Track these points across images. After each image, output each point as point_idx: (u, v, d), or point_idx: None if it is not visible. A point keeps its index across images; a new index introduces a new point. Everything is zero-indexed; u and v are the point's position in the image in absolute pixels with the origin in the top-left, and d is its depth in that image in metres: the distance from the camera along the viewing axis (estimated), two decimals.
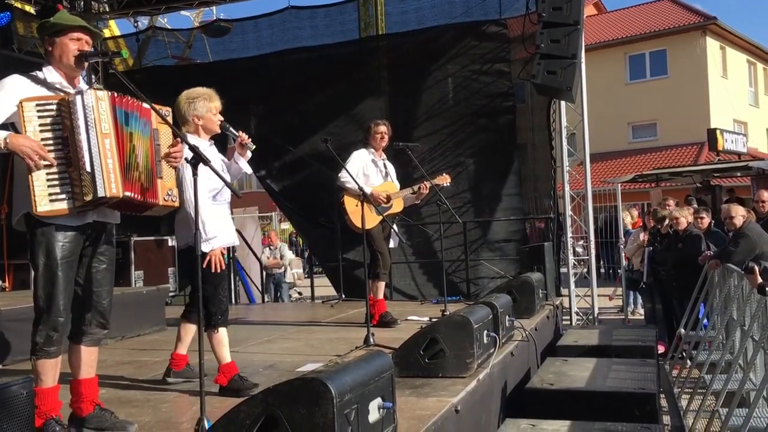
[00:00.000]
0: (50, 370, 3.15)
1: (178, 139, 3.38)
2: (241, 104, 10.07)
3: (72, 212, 3.12)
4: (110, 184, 3.10)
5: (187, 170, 3.50)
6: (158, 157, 3.36)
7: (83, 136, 3.08)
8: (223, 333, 4.14)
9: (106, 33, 11.41)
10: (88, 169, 3.08)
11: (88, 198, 3.09)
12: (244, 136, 4.26)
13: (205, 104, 4.20)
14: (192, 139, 3.92)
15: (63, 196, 3.09)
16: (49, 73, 3.26)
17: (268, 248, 13.02)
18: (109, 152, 3.12)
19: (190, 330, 4.38)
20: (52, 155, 3.07)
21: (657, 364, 6.14)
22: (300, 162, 9.75)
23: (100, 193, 3.08)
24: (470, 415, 3.93)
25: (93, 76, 10.18)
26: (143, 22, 11.50)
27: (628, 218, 12.07)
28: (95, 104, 3.12)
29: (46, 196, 3.05)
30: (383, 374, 2.84)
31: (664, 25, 27.53)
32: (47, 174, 3.06)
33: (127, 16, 10.72)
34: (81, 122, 3.08)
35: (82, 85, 3.39)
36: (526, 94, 9.25)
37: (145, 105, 3.29)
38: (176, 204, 3.47)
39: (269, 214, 21.01)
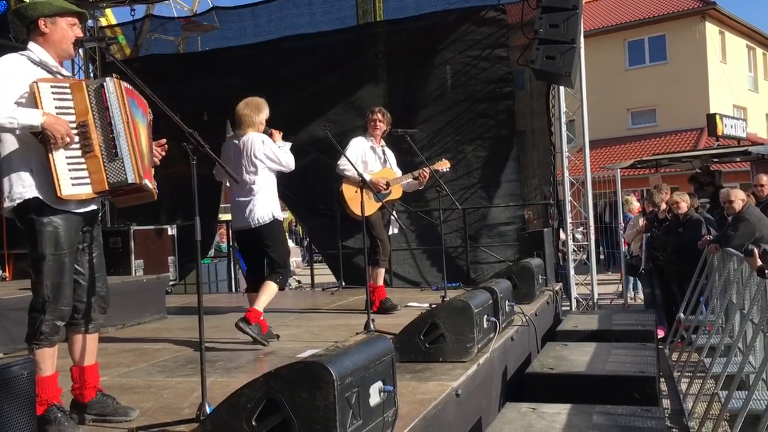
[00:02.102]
0: (49, 358, 3.14)
1: (164, 140, 3.48)
2: (239, 92, 9.99)
3: (93, 197, 3.14)
4: (138, 171, 3.14)
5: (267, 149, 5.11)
6: (151, 147, 3.43)
7: (112, 124, 3.10)
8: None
9: (103, 21, 11.34)
10: (119, 156, 3.10)
11: (111, 183, 3.10)
12: (276, 133, 5.34)
13: (266, 114, 5.29)
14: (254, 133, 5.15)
15: (85, 180, 3.09)
16: (43, 54, 3.21)
17: None
18: (134, 140, 3.16)
19: (273, 289, 5.06)
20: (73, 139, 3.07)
21: (656, 348, 6.17)
22: (299, 150, 9.60)
23: (131, 179, 3.12)
24: (471, 399, 3.94)
25: (91, 65, 10.16)
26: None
27: (634, 203, 12.01)
28: (119, 93, 3.15)
29: (68, 179, 3.04)
30: (384, 358, 2.84)
31: (663, 11, 27.43)
32: (67, 158, 3.05)
33: (124, 4, 10.66)
34: (110, 110, 3.11)
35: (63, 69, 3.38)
36: (525, 80, 9.22)
37: (140, 95, 3.33)
38: (156, 196, 3.47)
39: None
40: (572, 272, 9.13)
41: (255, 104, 5.27)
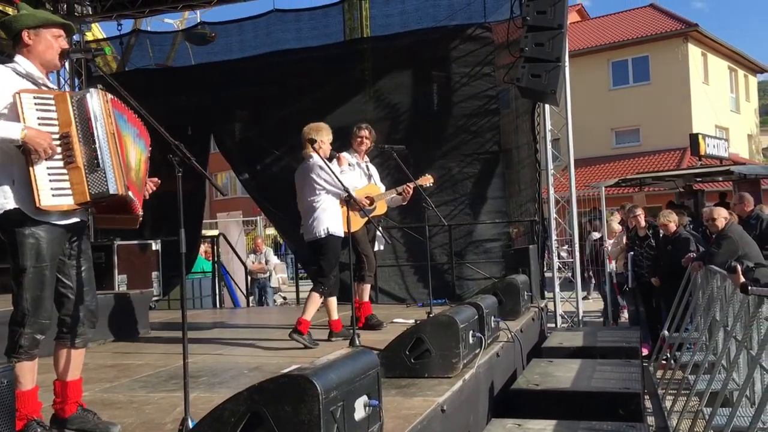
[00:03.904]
0: (29, 372, 3.10)
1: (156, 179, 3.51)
2: (225, 107, 10.04)
3: (75, 208, 3.11)
4: (121, 182, 3.12)
5: (312, 172, 5.52)
6: (146, 177, 3.43)
7: (95, 134, 3.08)
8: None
9: (89, 36, 11.33)
10: (101, 166, 3.08)
11: (92, 194, 3.07)
12: (342, 158, 5.95)
13: (327, 136, 5.65)
14: (318, 158, 5.52)
15: (66, 192, 3.06)
16: (28, 66, 3.20)
17: (253, 254, 13.00)
18: (117, 151, 3.14)
19: (332, 301, 5.76)
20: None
21: (641, 365, 6.18)
22: (284, 165, 9.70)
23: (112, 190, 3.09)
24: (457, 415, 3.92)
25: (77, 79, 10.12)
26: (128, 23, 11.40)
27: (614, 223, 12.11)
28: (103, 104, 3.13)
29: (48, 190, 3.02)
30: (369, 372, 2.82)
31: (646, 32, 27.79)
32: (48, 169, 3.03)
33: (111, 19, 10.65)
34: (93, 121, 3.09)
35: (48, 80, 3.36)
36: (511, 98, 9.28)
37: (136, 115, 3.31)
38: (138, 224, 3.45)
39: (254, 218, 20.94)
40: (557, 289, 9.16)
41: (315, 126, 5.68)
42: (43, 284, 3.09)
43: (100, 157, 3.08)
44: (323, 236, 5.56)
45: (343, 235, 5.64)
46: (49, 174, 3.03)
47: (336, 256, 5.69)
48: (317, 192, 5.58)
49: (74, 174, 3.07)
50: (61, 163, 3.06)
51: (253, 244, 13.60)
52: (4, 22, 3.32)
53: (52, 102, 3.09)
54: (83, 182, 3.07)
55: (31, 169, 2.99)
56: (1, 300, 6.51)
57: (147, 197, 3.48)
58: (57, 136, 3.07)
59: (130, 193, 3.19)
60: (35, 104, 3.04)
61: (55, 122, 3.08)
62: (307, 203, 5.63)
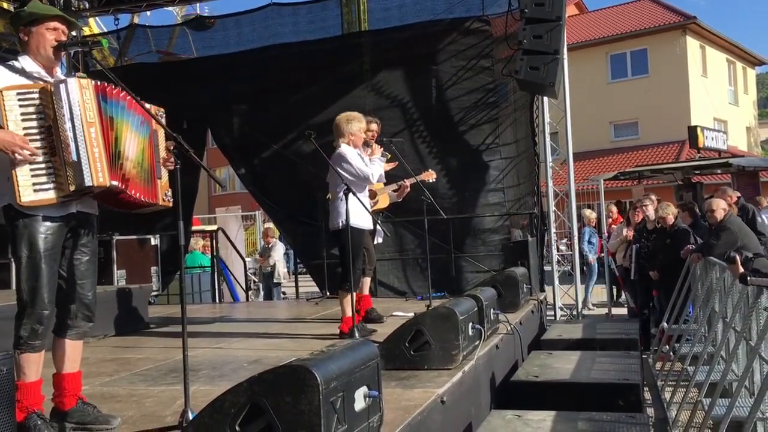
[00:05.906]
0: (33, 364, 3.10)
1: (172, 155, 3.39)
2: (223, 102, 10.00)
3: (56, 202, 3.07)
4: (97, 173, 3.05)
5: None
6: (158, 158, 3.36)
7: (68, 125, 3.03)
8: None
9: (86, 31, 11.29)
10: (74, 158, 3.02)
11: (73, 188, 3.04)
12: (376, 148, 5.83)
13: (358, 125, 5.59)
14: (346, 147, 5.50)
15: (47, 186, 3.02)
16: (27, 63, 3.18)
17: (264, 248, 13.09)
18: (95, 141, 3.07)
19: (344, 296, 5.44)
20: (36, 144, 3.01)
21: (640, 357, 6.19)
22: (282, 160, 9.69)
23: (87, 182, 3.03)
24: (457, 407, 3.93)
25: (74, 73, 10.09)
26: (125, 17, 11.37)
27: (592, 215, 12.19)
28: (80, 92, 3.07)
29: (30, 186, 2.99)
30: (369, 363, 2.82)
31: (644, 25, 27.77)
32: (30, 165, 3.00)
33: (108, 13, 10.62)
34: (66, 110, 3.03)
35: (60, 75, 3.33)
36: (509, 91, 9.26)
37: (135, 100, 3.24)
38: (171, 204, 3.41)
39: (252, 213, 20.92)
40: (556, 282, 9.17)
41: (346, 116, 5.67)
42: (37, 275, 3.08)
43: (74, 147, 3.03)
44: (338, 227, 5.53)
45: (362, 227, 5.54)
46: (32, 169, 3.01)
47: (349, 247, 5.47)
48: (339, 183, 5.49)
49: (56, 167, 3.05)
50: (47, 157, 3.04)
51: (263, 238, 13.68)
52: (10, 22, 3.33)
53: (37, 96, 3.05)
54: (63, 175, 3.04)
55: (12, 165, 2.97)
56: (1, 295, 6.53)
57: (170, 167, 3.38)
58: (37, 130, 3.04)
59: (114, 183, 3.11)
60: (18, 99, 3.01)
61: (37, 116, 3.05)
62: (332, 193, 5.65)
